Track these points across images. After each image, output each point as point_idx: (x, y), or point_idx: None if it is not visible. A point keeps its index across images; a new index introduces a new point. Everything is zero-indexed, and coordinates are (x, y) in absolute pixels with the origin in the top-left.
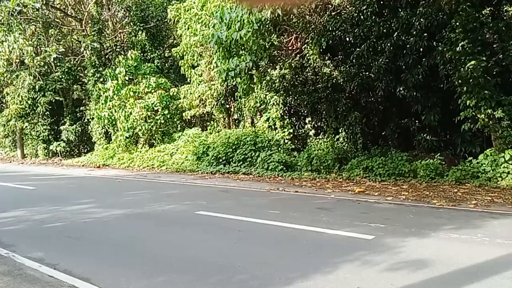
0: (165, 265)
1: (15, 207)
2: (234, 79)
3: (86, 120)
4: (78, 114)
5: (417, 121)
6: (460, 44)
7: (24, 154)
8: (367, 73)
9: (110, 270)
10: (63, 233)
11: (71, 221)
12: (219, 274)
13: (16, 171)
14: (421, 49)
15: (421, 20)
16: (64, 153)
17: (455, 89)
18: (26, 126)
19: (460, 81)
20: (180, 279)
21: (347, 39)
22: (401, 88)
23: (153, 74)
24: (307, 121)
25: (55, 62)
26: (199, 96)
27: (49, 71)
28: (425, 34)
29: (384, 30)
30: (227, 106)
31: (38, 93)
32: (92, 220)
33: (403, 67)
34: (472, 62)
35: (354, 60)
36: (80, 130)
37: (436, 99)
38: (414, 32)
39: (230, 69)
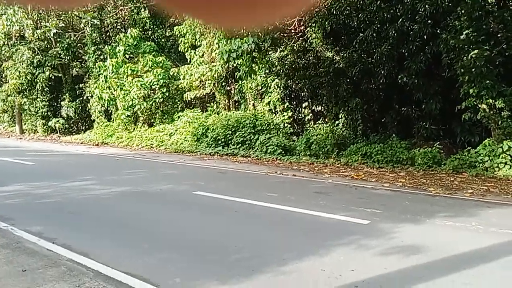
0: (164, 243)
1: (13, 181)
2: (236, 60)
3: (85, 97)
4: (77, 91)
5: (417, 109)
6: (464, 33)
7: (23, 130)
8: (369, 59)
9: (108, 246)
10: (62, 208)
11: (70, 197)
12: (217, 253)
13: (14, 146)
14: (425, 37)
15: (426, 7)
16: (63, 130)
17: (457, 78)
18: (25, 102)
19: (462, 70)
20: (179, 257)
21: (351, 23)
22: (403, 75)
23: (153, 53)
24: (307, 105)
25: (55, 37)
26: (199, 77)
27: (48, 46)
28: (430, 21)
29: (389, 16)
30: (228, 88)
31: (37, 68)
32: (91, 197)
33: (406, 54)
34: (476, 51)
35: (357, 46)
36: (79, 108)
37: (437, 87)
38: (419, 19)
39: (232, 50)
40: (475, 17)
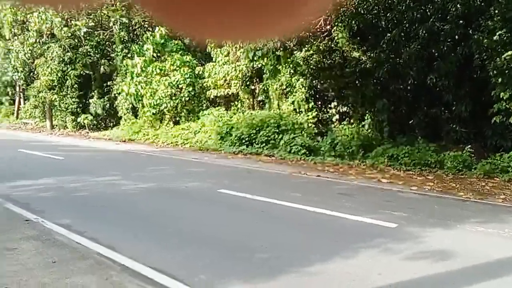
0: (189, 239)
1: (44, 175)
2: (261, 60)
3: (113, 94)
4: (105, 89)
5: (447, 111)
6: (497, 33)
7: (53, 125)
8: (397, 59)
9: (134, 240)
10: (90, 202)
11: (98, 192)
12: (242, 251)
13: (45, 141)
14: (456, 37)
15: (458, 6)
16: (91, 126)
17: (489, 80)
18: (55, 98)
19: (495, 71)
20: (204, 254)
21: (379, 23)
22: (432, 76)
23: (179, 52)
24: (332, 105)
25: (85, 36)
26: (223, 76)
27: (78, 44)
28: (461, 21)
29: (418, 16)
30: (252, 87)
31: (68, 65)
32: (118, 192)
33: (436, 54)
34: (509, 53)
35: (384, 46)
36: (107, 105)
37: (468, 89)
38: (450, 19)
39: (258, 48)
40: (509, 17)
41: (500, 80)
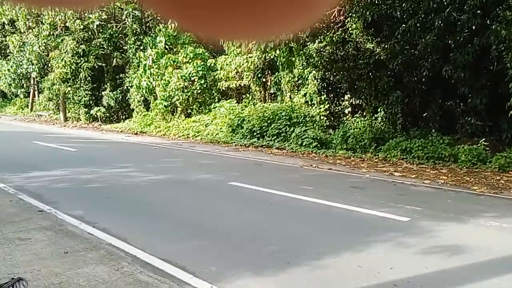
0: (201, 231)
1: (57, 167)
2: (273, 51)
3: (125, 87)
4: (118, 81)
5: (462, 104)
6: None
7: (66, 118)
8: (412, 50)
9: (146, 232)
10: (103, 193)
11: (110, 183)
12: (252, 244)
13: (59, 133)
14: (474, 27)
15: None
16: (104, 118)
17: (506, 72)
18: (68, 91)
19: None
20: (215, 246)
21: (394, 13)
22: (448, 68)
23: (192, 44)
24: (345, 98)
25: (98, 28)
26: (235, 68)
27: (91, 37)
28: (479, 12)
29: (435, 6)
30: (264, 79)
31: (81, 58)
32: (130, 184)
33: (452, 45)
34: None
35: (399, 37)
36: (120, 97)
37: (485, 81)
38: (467, 9)
39: (270, 40)
40: None
41: None
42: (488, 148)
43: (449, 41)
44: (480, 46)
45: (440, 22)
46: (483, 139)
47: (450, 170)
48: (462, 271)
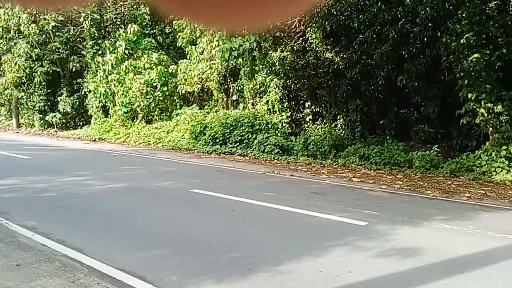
0: (159, 240)
1: (9, 175)
2: (237, 59)
3: (83, 92)
4: (75, 86)
5: (415, 112)
6: (464, 36)
7: (20, 124)
8: (369, 60)
9: (103, 242)
10: (57, 203)
11: (65, 192)
12: (212, 251)
13: (11, 140)
14: (425, 39)
15: (427, 9)
16: (60, 124)
17: (456, 82)
18: (22, 96)
19: (462, 73)
20: (175, 254)
21: (351, 24)
22: (402, 78)
23: (153, 50)
24: (306, 105)
25: (54, 31)
26: (198, 74)
27: (47, 40)
28: (430, 24)
29: (389, 18)
30: (226, 86)
31: (36, 62)
32: (87, 192)
33: (406, 56)
34: (475, 55)
35: (356, 47)
36: (77, 103)
37: (436, 90)
38: (419, 21)
39: (233, 49)
40: (476, 21)
41: (466, 82)
42: (440, 154)
43: (403, 52)
44: (431, 57)
45: (394, 33)
46: (436, 145)
47: (405, 175)
48: (416, 273)
